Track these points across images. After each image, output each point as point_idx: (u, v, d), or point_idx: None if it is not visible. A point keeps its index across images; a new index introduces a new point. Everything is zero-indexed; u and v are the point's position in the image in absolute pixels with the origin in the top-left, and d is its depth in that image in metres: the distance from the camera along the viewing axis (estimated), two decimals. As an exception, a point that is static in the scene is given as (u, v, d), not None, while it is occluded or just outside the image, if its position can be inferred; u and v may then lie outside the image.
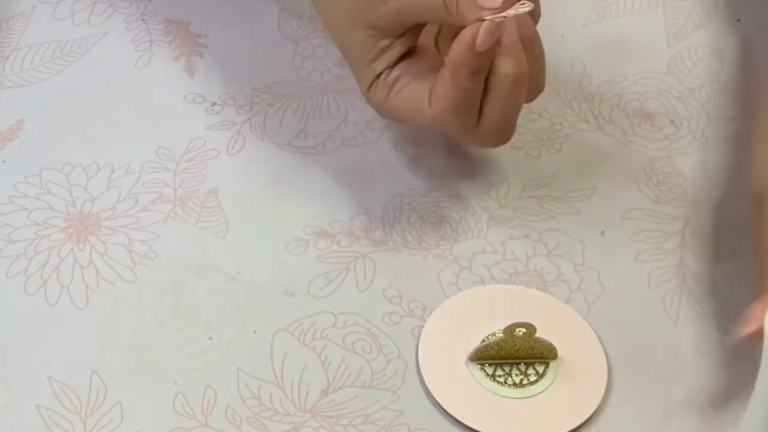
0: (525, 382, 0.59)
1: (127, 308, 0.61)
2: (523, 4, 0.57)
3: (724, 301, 0.63)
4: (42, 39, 0.73)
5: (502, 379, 0.59)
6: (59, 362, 0.59)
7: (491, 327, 0.60)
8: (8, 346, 0.60)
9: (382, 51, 0.62)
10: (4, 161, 0.67)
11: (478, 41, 0.58)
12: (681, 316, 0.63)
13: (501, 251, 0.65)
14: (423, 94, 0.61)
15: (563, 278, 0.64)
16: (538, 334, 0.58)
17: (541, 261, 0.64)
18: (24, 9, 0.75)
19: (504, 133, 0.62)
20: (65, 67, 0.72)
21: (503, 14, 0.57)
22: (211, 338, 0.61)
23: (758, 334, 0.55)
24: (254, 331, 0.61)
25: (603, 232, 0.66)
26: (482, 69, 0.59)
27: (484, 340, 0.60)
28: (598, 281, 0.64)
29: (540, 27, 0.75)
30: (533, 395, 0.59)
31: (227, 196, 0.66)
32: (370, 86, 0.63)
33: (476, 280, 0.63)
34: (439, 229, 0.65)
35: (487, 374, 0.59)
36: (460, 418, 0.58)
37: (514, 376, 0.59)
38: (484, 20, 0.57)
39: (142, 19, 0.75)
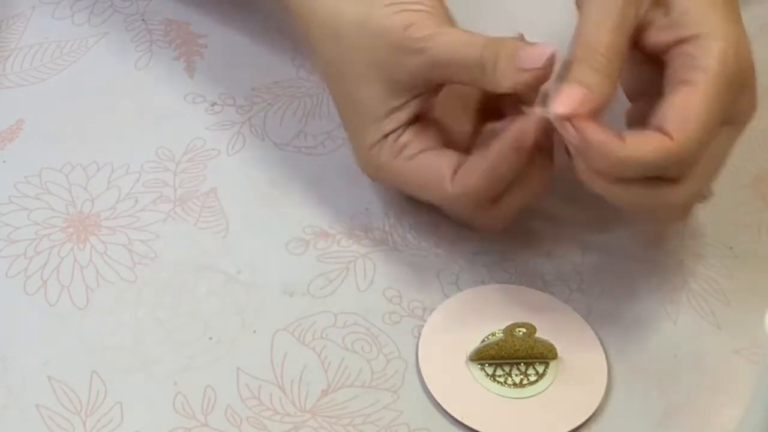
0: (525, 382, 0.59)
1: (127, 308, 0.62)
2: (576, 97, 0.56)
3: (725, 301, 0.63)
4: (42, 39, 0.73)
5: (502, 379, 0.59)
6: (59, 362, 0.59)
7: (491, 327, 0.60)
8: (8, 346, 0.60)
9: (394, 109, 0.60)
10: (4, 161, 0.67)
11: (529, 139, 0.57)
12: (681, 316, 0.63)
13: (501, 251, 0.65)
14: (443, 169, 0.60)
15: (563, 278, 0.64)
16: (538, 334, 0.58)
17: (541, 261, 0.64)
18: (24, 9, 0.75)
19: (511, 220, 0.62)
20: (65, 67, 0.72)
21: (555, 113, 0.55)
22: (211, 338, 0.61)
23: (564, 118, 0.55)
24: (254, 331, 0.61)
25: (604, 232, 0.66)
26: (522, 164, 0.59)
27: (484, 340, 0.60)
28: (598, 281, 0.63)
29: (540, 27, 0.75)
30: (533, 395, 0.59)
31: (227, 196, 0.66)
32: (373, 145, 0.61)
33: (476, 280, 0.63)
34: (439, 229, 0.65)
35: (487, 374, 0.59)
36: (460, 418, 0.58)
37: (514, 376, 0.59)
38: (526, 113, 0.57)
39: (142, 19, 0.75)
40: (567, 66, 0.57)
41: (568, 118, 0.55)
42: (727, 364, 0.61)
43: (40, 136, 0.68)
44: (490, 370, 0.59)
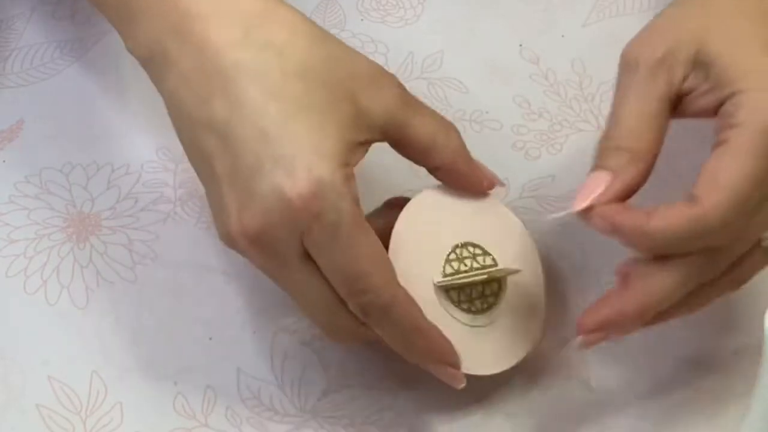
0: (485, 306, 0.58)
1: (127, 308, 0.62)
2: None
3: (725, 301, 0.63)
4: (42, 39, 0.73)
5: (466, 306, 0.58)
6: (59, 362, 0.59)
7: (447, 243, 0.58)
8: (8, 346, 0.60)
9: (354, 145, 0.54)
10: (4, 161, 0.67)
11: None
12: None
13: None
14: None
15: (563, 278, 0.64)
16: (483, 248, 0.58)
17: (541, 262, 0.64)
18: (24, 9, 0.75)
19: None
20: (65, 67, 0.72)
21: (575, 211, 0.54)
22: (211, 338, 0.61)
23: (588, 210, 0.53)
24: (254, 332, 0.61)
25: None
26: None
27: (449, 261, 0.57)
28: (597, 282, 0.63)
29: (540, 27, 0.75)
30: (490, 323, 0.58)
31: (227, 196, 0.66)
32: (320, 180, 0.51)
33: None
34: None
35: (453, 301, 0.57)
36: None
37: (475, 300, 0.58)
38: None
39: (142, 19, 0.74)
40: (597, 148, 0.55)
41: (591, 209, 0.53)
42: (727, 364, 0.61)
43: (40, 136, 0.68)
44: (455, 296, 0.57)
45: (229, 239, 0.54)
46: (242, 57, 0.53)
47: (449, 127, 0.57)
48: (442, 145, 0.57)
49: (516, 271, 0.58)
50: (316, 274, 0.53)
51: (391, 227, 0.57)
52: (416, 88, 0.72)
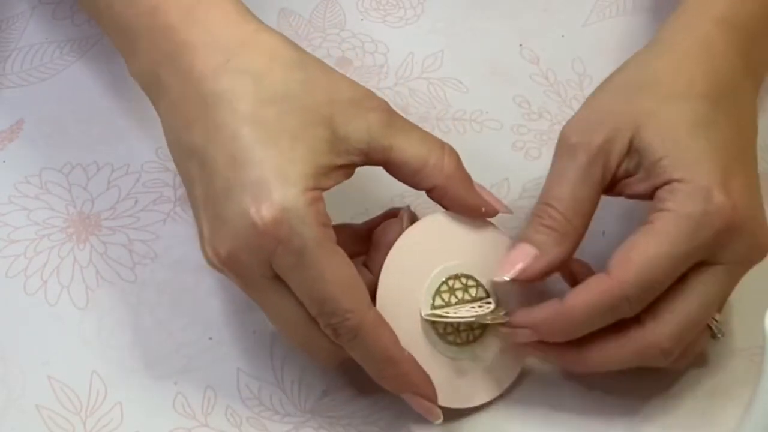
0: (471, 338, 0.58)
1: (127, 308, 0.62)
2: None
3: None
4: (42, 39, 0.73)
5: (451, 338, 0.58)
6: (59, 362, 0.59)
7: (443, 271, 0.58)
8: (8, 346, 0.60)
9: (328, 169, 0.54)
10: (4, 161, 0.67)
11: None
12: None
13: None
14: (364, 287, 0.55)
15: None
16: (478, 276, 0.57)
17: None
18: (24, 9, 0.75)
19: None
20: (65, 67, 0.72)
21: (499, 280, 0.56)
22: (211, 338, 0.61)
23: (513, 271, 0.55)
24: (254, 332, 0.61)
25: (603, 233, 0.65)
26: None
27: (439, 292, 0.57)
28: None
29: (540, 27, 0.75)
30: (473, 356, 0.58)
31: (227, 196, 0.66)
32: (283, 205, 0.52)
33: (476, 280, 0.63)
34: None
35: (438, 332, 0.57)
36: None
37: (461, 332, 0.58)
38: None
39: (142, 19, 0.74)
40: (528, 220, 0.57)
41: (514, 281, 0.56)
42: (727, 364, 0.61)
43: (40, 136, 0.68)
44: (441, 327, 0.57)
45: (207, 261, 0.55)
46: (221, 84, 0.54)
47: (443, 149, 0.57)
48: (434, 167, 0.56)
49: (503, 322, 0.56)
50: (287, 295, 0.54)
51: (374, 228, 0.58)
52: (416, 88, 0.72)
